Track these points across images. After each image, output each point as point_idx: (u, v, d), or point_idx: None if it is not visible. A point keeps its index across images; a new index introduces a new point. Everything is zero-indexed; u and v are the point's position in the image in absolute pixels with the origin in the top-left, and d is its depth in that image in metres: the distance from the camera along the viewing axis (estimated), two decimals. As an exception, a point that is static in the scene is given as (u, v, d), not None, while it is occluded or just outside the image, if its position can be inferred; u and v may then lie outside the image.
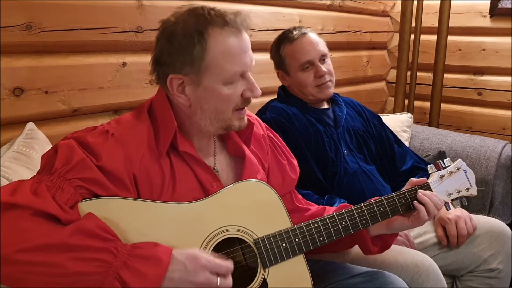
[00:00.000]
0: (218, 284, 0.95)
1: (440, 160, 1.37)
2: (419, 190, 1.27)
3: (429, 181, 1.32)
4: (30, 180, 0.95)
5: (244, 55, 1.07)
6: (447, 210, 1.42)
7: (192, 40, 1.03)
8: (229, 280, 0.98)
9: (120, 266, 0.89)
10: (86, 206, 0.96)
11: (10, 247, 0.85)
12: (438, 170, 1.35)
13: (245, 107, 1.13)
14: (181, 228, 1.03)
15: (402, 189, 1.29)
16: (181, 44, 1.04)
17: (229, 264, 0.98)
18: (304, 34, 1.70)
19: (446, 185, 1.34)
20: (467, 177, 1.37)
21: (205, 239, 1.04)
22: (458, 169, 1.37)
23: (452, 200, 1.35)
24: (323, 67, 1.69)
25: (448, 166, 1.36)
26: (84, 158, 0.97)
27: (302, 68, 1.69)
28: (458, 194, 1.35)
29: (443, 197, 1.31)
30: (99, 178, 0.97)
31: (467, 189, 1.37)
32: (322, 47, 1.71)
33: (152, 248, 0.93)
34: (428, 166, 1.36)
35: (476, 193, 1.38)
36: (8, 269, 0.86)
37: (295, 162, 1.35)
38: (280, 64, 1.75)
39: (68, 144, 0.99)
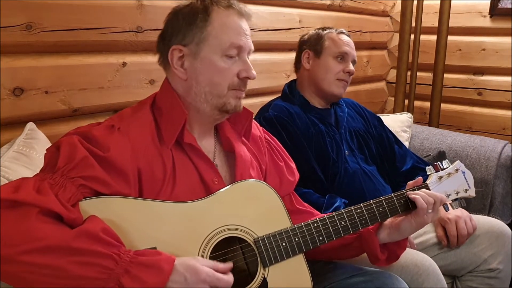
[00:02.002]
0: None
1: (438, 162, 1.37)
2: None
3: (427, 182, 1.33)
4: (32, 178, 0.95)
5: (243, 35, 1.12)
6: (446, 211, 1.42)
7: (196, 13, 1.11)
8: None
9: (122, 273, 0.89)
10: (88, 205, 0.96)
11: (14, 247, 0.85)
12: (437, 171, 1.35)
13: (243, 89, 1.15)
14: (182, 227, 1.03)
15: (401, 190, 1.29)
16: (186, 17, 1.11)
17: (229, 279, 0.99)
18: (349, 36, 1.80)
19: (444, 186, 1.34)
20: (465, 178, 1.38)
21: (205, 238, 1.04)
22: (457, 170, 1.37)
23: (451, 201, 1.36)
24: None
25: (447, 167, 1.36)
26: (86, 156, 0.97)
27: (337, 56, 1.74)
28: (457, 195, 1.36)
29: None
30: (101, 176, 0.98)
31: (466, 191, 1.37)
32: (355, 54, 1.79)
33: (154, 256, 0.93)
34: (427, 167, 1.36)
35: (474, 195, 1.39)
36: (10, 268, 0.86)
37: (293, 165, 1.35)
38: (315, 43, 1.77)
39: (70, 142, 0.99)
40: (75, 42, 1.49)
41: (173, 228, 1.02)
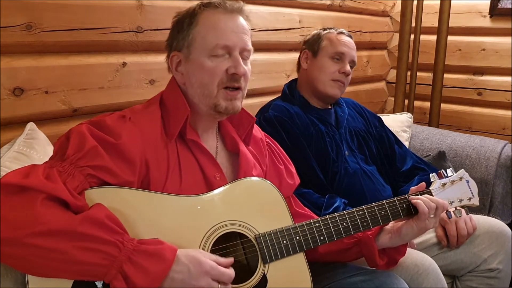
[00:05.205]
0: None
1: (442, 170, 1.39)
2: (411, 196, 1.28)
3: (431, 188, 1.34)
4: (42, 165, 0.97)
5: (232, 33, 1.12)
6: (449, 218, 1.43)
7: (184, 18, 1.15)
8: (229, 287, 1.00)
9: (124, 260, 0.90)
10: (95, 194, 0.98)
11: (22, 230, 0.87)
12: (440, 179, 1.37)
13: (234, 90, 1.13)
14: (184, 221, 1.05)
15: (404, 195, 1.30)
16: (177, 24, 1.16)
17: (231, 273, 1.00)
18: (351, 36, 1.78)
19: (448, 193, 1.36)
20: (469, 187, 1.40)
21: (206, 233, 1.06)
22: (461, 179, 1.39)
23: (455, 208, 1.37)
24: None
25: (451, 175, 1.38)
26: (95, 146, 0.99)
27: (333, 57, 1.73)
28: (460, 203, 1.38)
29: None
30: (109, 165, 0.99)
31: (469, 199, 1.39)
32: (355, 55, 1.77)
33: (157, 245, 0.95)
34: (430, 174, 1.38)
35: (478, 204, 1.40)
36: (16, 251, 0.87)
37: (293, 169, 1.37)
38: (313, 43, 1.78)
39: (80, 131, 1.01)
40: (75, 42, 1.49)
41: (175, 221, 1.03)
